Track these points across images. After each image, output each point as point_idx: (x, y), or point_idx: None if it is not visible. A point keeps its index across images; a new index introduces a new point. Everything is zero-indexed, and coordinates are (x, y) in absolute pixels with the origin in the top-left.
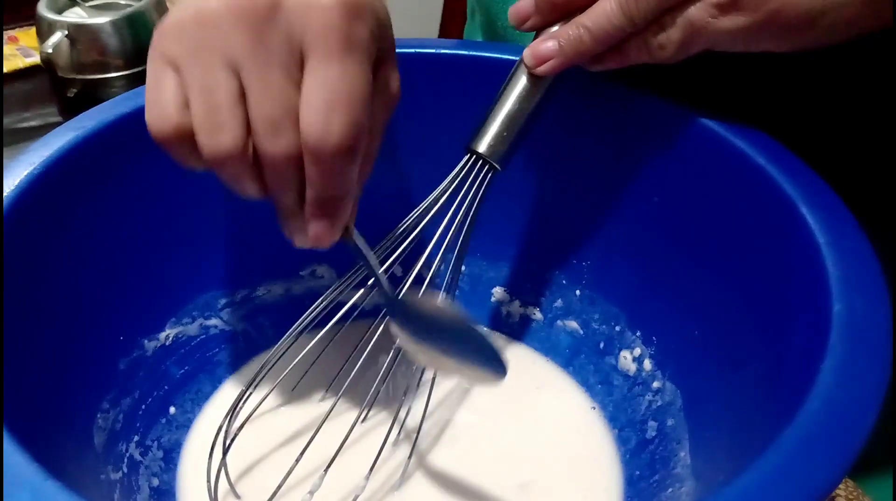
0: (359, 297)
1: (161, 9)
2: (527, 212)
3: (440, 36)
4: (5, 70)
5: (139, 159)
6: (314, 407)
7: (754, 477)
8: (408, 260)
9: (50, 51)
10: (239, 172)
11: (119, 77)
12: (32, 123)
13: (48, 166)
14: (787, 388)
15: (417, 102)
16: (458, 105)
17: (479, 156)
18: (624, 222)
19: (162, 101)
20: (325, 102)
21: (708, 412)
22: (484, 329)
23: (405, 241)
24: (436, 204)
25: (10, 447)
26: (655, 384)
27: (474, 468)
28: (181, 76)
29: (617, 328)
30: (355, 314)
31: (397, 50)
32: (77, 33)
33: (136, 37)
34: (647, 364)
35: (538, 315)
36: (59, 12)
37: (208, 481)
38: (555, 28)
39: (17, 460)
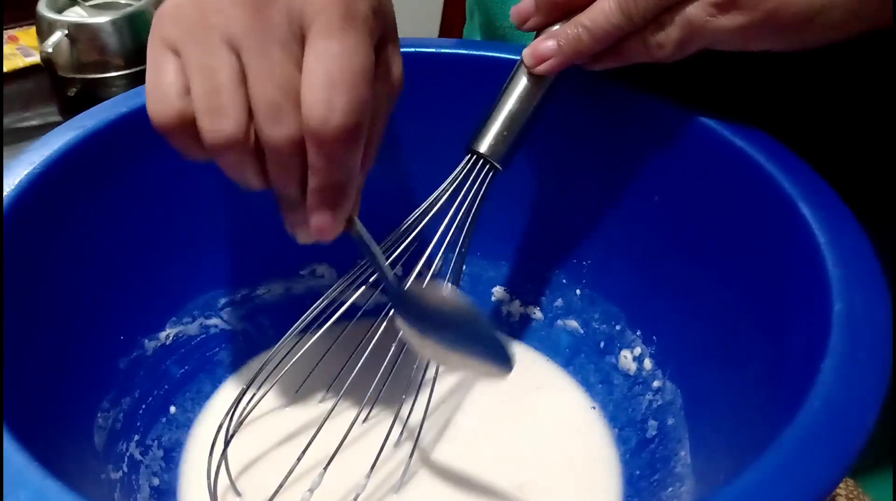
0: (361, 296)
1: None
2: (527, 211)
3: (440, 35)
4: (5, 69)
5: (139, 159)
6: (315, 407)
7: (755, 477)
8: (409, 260)
9: (50, 50)
10: (241, 160)
11: (119, 76)
12: (32, 123)
13: (48, 166)
14: (787, 387)
15: (418, 101)
16: (458, 105)
17: (480, 156)
18: (624, 221)
19: (162, 86)
20: (326, 80)
21: (708, 412)
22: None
23: (406, 241)
24: (437, 204)
25: (10, 446)
26: (656, 384)
27: (474, 467)
28: (181, 59)
29: (617, 328)
30: (358, 314)
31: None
32: (77, 33)
33: (137, 36)
34: (648, 364)
35: (538, 315)
36: (59, 12)
37: (208, 478)
38: (554, 28)
39: (18, 460)
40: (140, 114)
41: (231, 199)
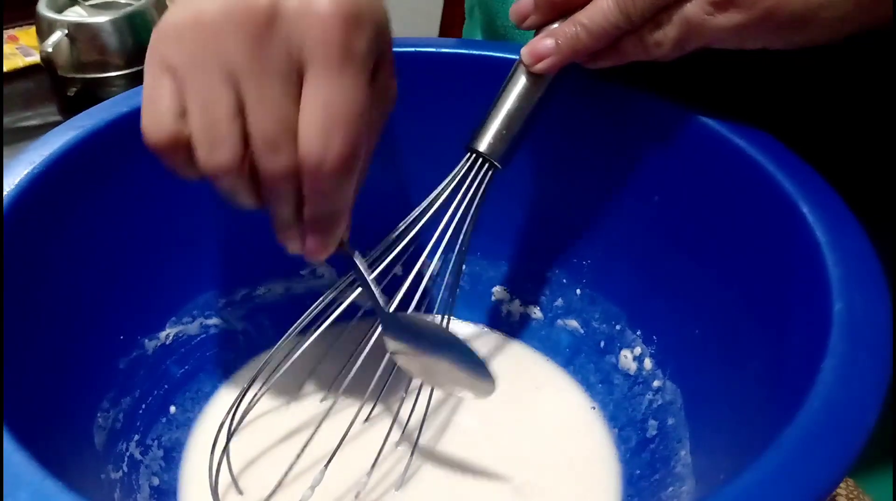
0: (361, 296)
1: (161, 7)
2: (527, 211)
3: (440, 35)
4: (5, 69)
5: (139, 158)
6: (316, 406)
7: (755, 476)
8: (409, 259)
9: (50, 50)
10: (236, 186)
11: (119, 76)
12: (32, 123)
13: (48, 166)
14: (787, 387)
15: (417, 101)
16: (458, 104)
17: (480, 155)
18: (624, 221)
19: (158, 108)
20: (323, 121)
21: (708, 412)
22: (478, 329)
23: (406, 239)
24: (436, 202)
25: (10, 446)
26: (656, 383)
27: (474, 466)
28: (179, 83)
29: (617, 327)
30: (359, 314)
31: (398, 49)
32: (77, 32)
33: (136, 36)
34: (648, 363)
35: (538, 314)
36: (59, 11)
37: (210, 476)
38: (553, 26)
39: (17, 459)
40: (140, 114)
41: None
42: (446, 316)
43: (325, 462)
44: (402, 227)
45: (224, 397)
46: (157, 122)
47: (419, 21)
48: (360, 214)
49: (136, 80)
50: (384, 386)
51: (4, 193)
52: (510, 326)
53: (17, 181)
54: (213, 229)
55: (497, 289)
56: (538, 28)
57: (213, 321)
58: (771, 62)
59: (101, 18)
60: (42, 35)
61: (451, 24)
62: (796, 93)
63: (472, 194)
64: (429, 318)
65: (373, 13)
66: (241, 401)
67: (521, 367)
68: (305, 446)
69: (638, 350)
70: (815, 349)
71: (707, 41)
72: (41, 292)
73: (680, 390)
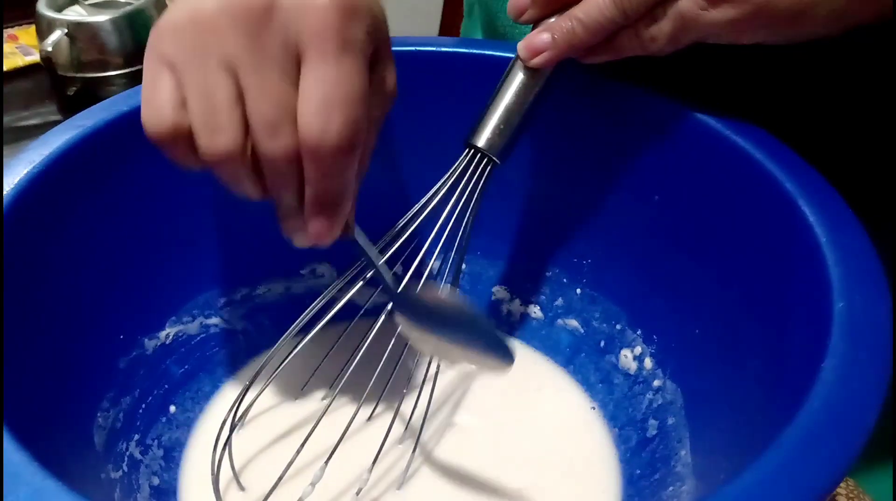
0: (361, 295)
1: (161, 7)
2: (527, 211)
3: (440, 33)
4: (5, 68)
5: (139, 158)
6: (318, 404)
7: (755, 476)
8: (409, 256)
9: (49, 49)
10: (238, 173)
11: (119, 75)
12: (32, 122)
13: (48, 165)
14: (788, 387)
15: (417, 100)
16: (457, 103)
17: (478, 150)
18: (624, 220)
19: (158, 100)
20: (322, 102)
21: (709, 411)
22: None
23: (406, 235)
24: (435, 198)
25: (9, 446)
26: (656, 383)
27: (474, 466)
28: (178, 77)
29: (617, 327)
30: (360, 313)
31: (397, 48)
32: (77, 31)
33: (136, 35)
34: (648, 363)
35: (538, 314)
36: (59, 10)
37: (212, 471)
38: (549, 21)
39: (17, 459)
40: (140, 113)
41: (231, 198)
42: (454, 289)
43: (326, 459)
44: (402, 223)
45: (224, 396)
46: (156, 113)
47: (419, 20)
48: (361, 213)
49: (136, 79)
50: (386, 385)
51: (4, 192)
52: (510, 325)
53: (16, 181)
54: (213, 229)
55: (497, 289)
56: (535, 23)
57: (214, 320)
58: (770, 58)
59: (101, 17)
60: (42, 34)
61: (451, 23)
62: (795, 89)
63: (472, 190)
64: (437, 288)
65: (368, 6)
66: (243, 397)
67: (521, 367)
68: (305, 442)
69: (638, 350)
70: (816, 348)
71: (701, 36)
72: (41, 291)
73: (680, 389)
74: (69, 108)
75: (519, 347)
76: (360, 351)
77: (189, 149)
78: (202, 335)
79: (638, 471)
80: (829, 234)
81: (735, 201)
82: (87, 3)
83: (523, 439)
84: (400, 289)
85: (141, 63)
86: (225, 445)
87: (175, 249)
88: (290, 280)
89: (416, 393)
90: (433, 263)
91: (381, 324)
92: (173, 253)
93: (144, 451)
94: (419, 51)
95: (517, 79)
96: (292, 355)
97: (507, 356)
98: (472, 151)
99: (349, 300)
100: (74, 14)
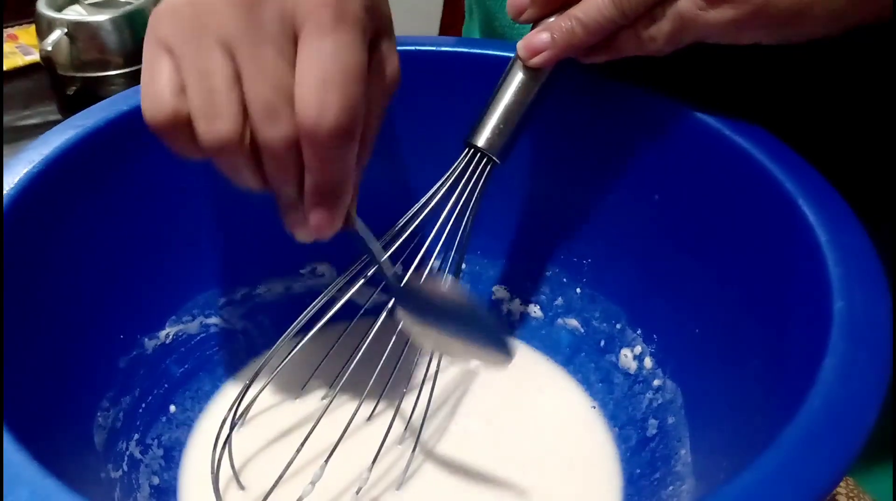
0: (362, 294)
1: None
2: (527, 210)
3: (440, 33)
4: (5, 68)
5: (139, 157)
6: (318, 404)
7: (755, 476)
8: (409, 256)
9: (49, 48)
10: (238, 161)
11: (119, 75)
12: (32, 121)
13: (48, 164)
14: (788, 386)
15: (417, 99)
16: (457, 103)
17: (478, 149)
18: (624, 219)
19: (157, 86)
20: (318, 79)
21: (709, 410)
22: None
23: (406, 235)
24: (435, 198)
25: (9, 445)
26: (656, 382)
27: (474, 465)
28: (176, 60)
29: (617, 326)
30: (360, 312)
31: (397, 48)
32: (76, 31)
33: (136, 34)
34: (648, 362)
35: (538, 313)
36: (59, 10)
37: (212, 470)
38: (549, 20)
39: (17, 458)
40: (140, 112)
41: (231, 197)
42: (454, 274)
43: (326, 458)
44: (402, 223)
45: (224, 396)
46: (156, 100)
47: (419, 20)
48: (361, 213)
49: (136, 79)
50: (386, 384)
51: (4, 192)
52: (510, 325)
53: (16, 180)
54: (213, 228)
55: (497, 288)
56: (534, 22)
57: (213, 320)
58: (769, 58)
59: (101, 17)
60: (42, 34)
61: (451, 23)
62: (795, 89)
63: (472, 189)
64: (440, 278)
65: None
66: (244, 396)
67: (521, 366)
68: (305, 441)
69: (638, 349)
70: (816, 347)
71: (700, 36)
72: (41, 291)
73: (680, 389)
74: (69, 107)
75: (519, 346)
76: (360, 350)
77: (189, 137)
78: (202, 335)
79: (638, 470)
80: (829, 234)
81: (735, 201)
82: (86, 2)
83: (523, 438)
84: (402, 283)
85: (141, 63)
86: (225, 443)
87: (175, 248)
88: (290, 280)
89: (417, 392)
90: (433, 262)
91: (382, 323)
92: (173, 253)
93: (144, 451)
94: (419, 51)
95: (517, 78)
96: (293, 354)
97: (507, 351)
98: (472, 150)
99: (350, 300)
100: (74, 14)
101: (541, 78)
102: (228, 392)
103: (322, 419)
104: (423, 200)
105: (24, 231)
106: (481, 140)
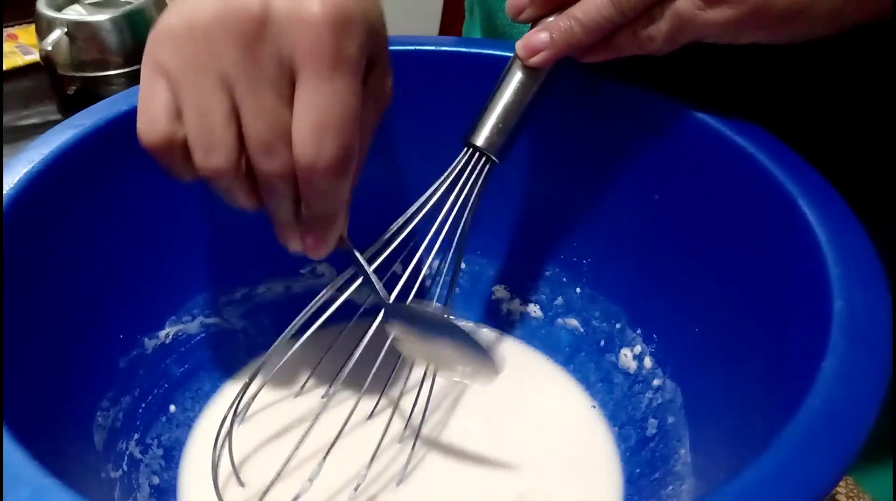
0: (361, 293)
1: (161, 6)
2: (527, 210)
3: (440, 33)
4: (5, 67)
5: (139, 157)
6: (317, 402)
7: (755, 475)
8: (408, 255)
9: (49, 48)
10: (232, 187)
11: (118, 75)
12: (32, 121)
13: (47, 164)
14: (787, 385)
15: (417, 100)
16: (457, 103)
17: (477, 149)
18: (624, 219)
19: (153, 110)
20: (315, 125)
21: (708, 410)
22: (477, 328)
23: (404, 234)
24: (433, 197)
25: (9, 445)
26: (656, 382)
27: (473, 465)
28: (173, 87)
29: (617, 326)
30: (360, 311)
31: (397, 48)
32: (76, 31)
33: (136, 34)
34: (648, 362)
35: (538, 313)
36: (59, 10)
37: (213, 466)
38: (548, 20)
39: (17, 458)
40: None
41: None
42: (446, 308)
43: (324, 455)
44: (401, 222)
45: (224, 396)
46: (151, 123)
47: (419, 20)
48: (360, 213)
49: (136, 78)
50: (386, 383)
51: (4, 192)
52: (510, 325)
53: (16, 180)
54: (213, 228)
55: (497, 288)
56: (534, 22)
57: (213, 319)
58: (769, 57)
59: (101, 17)
60: (41, 33)
61: (451, 22)
62: (795, 89)
63: (470, 188)
64: (429, 306)
65: (364, 13)
66: (244, 393)
67: (520, 366)
68: (303, 438)
69: (638, 349)
70: (816, 347)
71: (699, 35)
72: (41, 291)
73: (680, 388)
74: (69, 107)
75: (519, 346)
76: (358, 349)
77: (183, 160)
78: (202, 335)
79: (638, 470)
80: (829, 233)
81: (735, 201)
82: (86, 2)
83: (523, 437)
84: (390, 300)
85: (140, 62)
86: (225, 440)
87: (175, 248)
88: (290, 280)
89: (416, 391)
90: (432, 261)
91: (381, 322)
92: (173, 252)
93: (144, 450)
94: (419, 50)
95: (516, 78)
96: (293, 352)
97: (492, 366)
98: (471, 149)
99: (349, 299)
100: (74, 13)
101: (540, 77)
102: (228, 392)
103: (321, 417)
104: (422, 199)
105: (23, 231)
106: (480, 139)
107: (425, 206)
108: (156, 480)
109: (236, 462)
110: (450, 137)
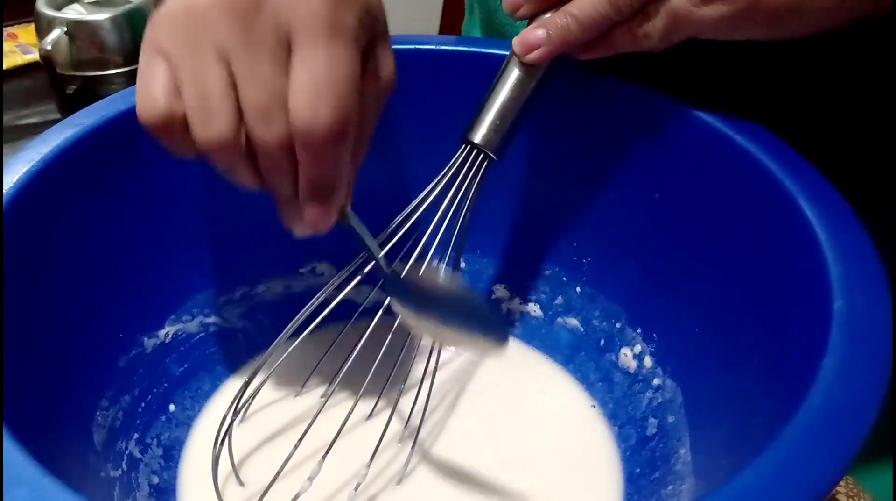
0: (360, 293)
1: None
2: (526, 209)
3: (441, 31)
4: (5, 67)
5: (138, 156)
6: (316, 402)
7: (755, 475)
8: (406, 253)
9: (49, 47)
10: (233, 160)
11: (118, 74)
12: (31, 120)
13: (47, 163)
14: (787, 385)
15: (417, 98)
16: (457, 102)
17: (475, 146)
18: (624, 219)
19: (152, 88)
20: (312, 87)
21: (708, 409)
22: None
23: (403, 231)
24: (432, 195)
25: (9, 445)
26: (656, 382)
27: (473, 464)
28: (172, 65)
29: (617, 325)
30: (359, 311)
31: (397, 47)
32: (76, 30)
33: (135, 33)
34: (648, 361)
35: (538, 312)
36: (59, 9)
37: (213, 466)
38: (545, 17)
39: (17, 458)
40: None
41: (230, 196)
42: (454, 273)
43: (323, 454)
44: (399, 219)
45: (224, 395)
46: (150, 101)
47: (419, 20)
48: (360, 212)
49: (135, 78)
50: (385, 382)
51: (4, 191)
52: (510, 324)
53: (15, 179)
54: (212, 227)
55: (497, 287)
56: (531, 18)
57: (213, 319)
58: (768, 55)
59: (100, 16)
60: (41, 33)
61: (451, 22)
62: (794, 87)
63: (468, 186)
64: (435, 270)
65: None
66: (244, 392)
67: (520, 365)
68: (302, 437)
69: (638, 348)
70: (815, 346)
71: (694, 32)
72: (41, 290)
73: (680, 388)
74: (68, 106)
75: (519, 346)
76: (357, 348)
77: (182, 137)
78: (202, 334)
79: (638, 470)
80: (829, 233)
81: (735, 200)
82: (86, 1)
83: (523, 437)
84: (397, 274)
85: None
86: (224, 438)
87: (174, 247)
88: (290, 279)
89: (416, 390)
90: (431, 259)
91: (380, 322)
92: (173, 252)
93: (144, 450)
94: (419, 50)
95: (513, 75)
96: (292, 350)
97: (501, 337)
98: (469, 147)
99: (348, 299)
100: (74, 12)
101: (537, 74)
102: (228, 391)
103: (320, 416)
104: (421, 196)
105: (23, 231)
106: (478, 137)
107: (424, 203)
108: (155, 479)
109: (236, 461)
110: (450, 137)
